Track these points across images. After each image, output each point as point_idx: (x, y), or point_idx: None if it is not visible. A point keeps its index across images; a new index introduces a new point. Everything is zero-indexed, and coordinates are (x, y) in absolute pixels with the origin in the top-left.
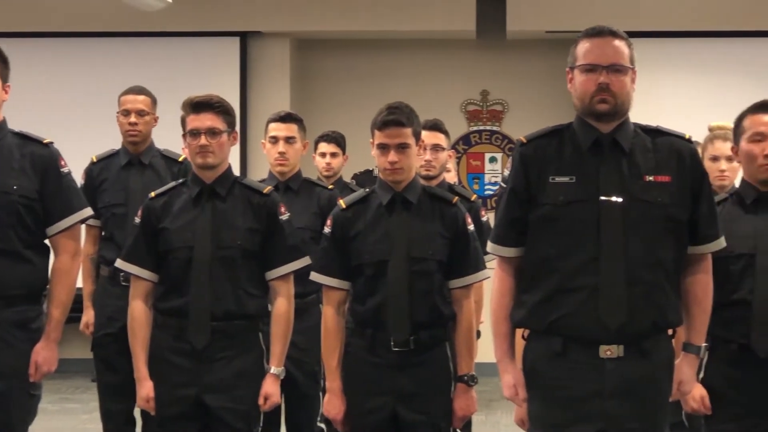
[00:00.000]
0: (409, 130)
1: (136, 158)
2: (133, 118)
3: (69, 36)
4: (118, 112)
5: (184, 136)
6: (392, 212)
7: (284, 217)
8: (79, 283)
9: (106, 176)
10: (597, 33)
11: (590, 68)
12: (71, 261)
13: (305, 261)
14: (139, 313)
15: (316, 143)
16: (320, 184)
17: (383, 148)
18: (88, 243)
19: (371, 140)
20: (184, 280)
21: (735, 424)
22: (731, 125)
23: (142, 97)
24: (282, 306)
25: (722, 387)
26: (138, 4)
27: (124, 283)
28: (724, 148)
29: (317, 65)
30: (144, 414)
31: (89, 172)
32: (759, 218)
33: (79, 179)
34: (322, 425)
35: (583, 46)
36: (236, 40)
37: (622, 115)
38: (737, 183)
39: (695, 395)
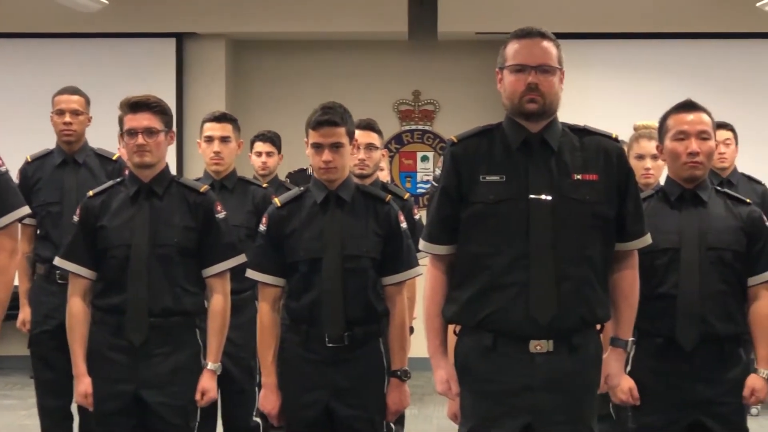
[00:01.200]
0: (343, 130)
1: (70, 157)
2: (67, 118)
3: (3, 37)
4: (52, 112)
5: (121, 135)
6: (326, 210)
7: (220, 215)
8: (16, 281)
9: (41, 175)
10: (526, 34)
11: (519, 68)
12: (9, 259)
13: (241, 258)
14: (77, 310)
15: (252, 143)
16: (255, 182)
17: (317, 147)
18: (23, 241)
19: (306, 139)
20: (121, 278)
21: (660, 415)
22: (656, 124)
23: (76, 97)
24: (218, 303)
25: (648, 379)
26: (73, 5)
27: (60, 281)
28: (649, 146)
29: (252, 66)
30: (81, 410)
31: (24, 172)
32: (683, 214)
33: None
34: (258, 420)
35: (512, 47)
36: (172, 41)
37: (550, 114)
38: (662, 180)
39: (623, 387)
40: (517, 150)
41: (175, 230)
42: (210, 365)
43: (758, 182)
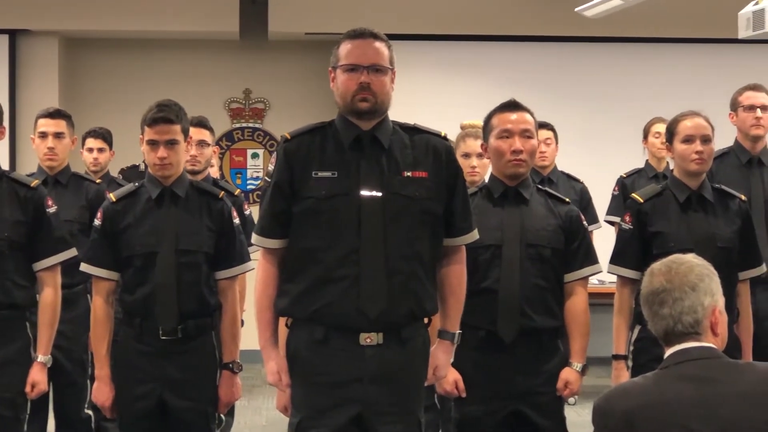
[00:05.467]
0: (178, 127)
1: None
2: None
3: None
4: None
5: None
6: (161, 206)
7: (51, 210)
8: None
9: None
10: (358, 35)
11: (352, 68)
12: None
13: (71, 252)
14: None
15: (84, 139)
16: (88, 178)
17: (153, 144)
18: None
19: (141, 136)
20: None
21: (482, 405)
22: (481, 123)
23: None
24: (49, 296)
25: (470, 371)
26: None
27: None
28: (475, 145)
29: (86, 63)
30: None
31: None
32: (505, 211)
33: None
34: (90, 412)
35: (345, 47)
36: (5, 37)
37: (381, 113)
38: (487, 178)
39: (449, 379)
40: (349, 147)
41: (5, 224)
42: (40, 358)
43: (577, 180)
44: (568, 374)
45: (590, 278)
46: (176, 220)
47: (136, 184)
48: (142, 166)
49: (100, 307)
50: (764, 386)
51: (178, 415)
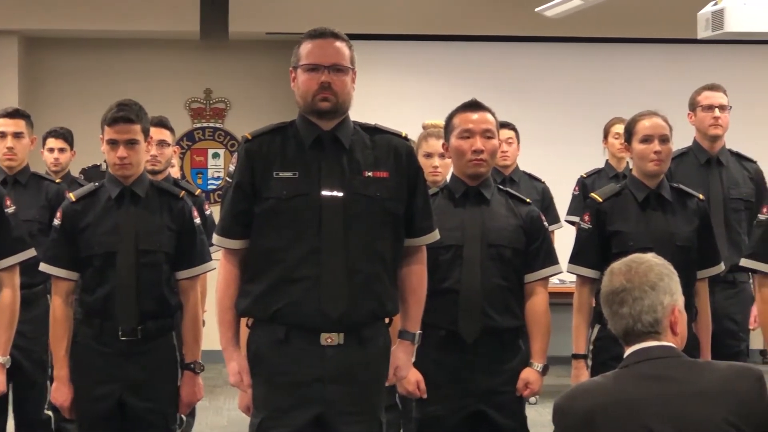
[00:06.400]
0: (138, 127)
1: None
2: None
3: None
4: None
5: None
6: (121, 205)
7: (9, 209)
8: None
9: None
10: (319, 34)
11: (313, 68)
12: None
13: (30, 253)
14: None
15: (45, 139)
16: (48, 178)
17: (113, 143)
18: None
19: (101, 136)
20: None
21: (443, 405)
22: (443, 123)
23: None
24: (7, 297)
25: (432, 370)
26: None
27: None
28: (437, 145)
29: (46, 63)
30: None
31: None
32: (467, 211)
33: None
34: (50, 413)
35: (305, 47)
36: None
37: (342, 113)
38: (449, 178)
39: (410, 379)
40: (310, 147)
41: None
42: None
43: (539, 180)
44: (528, 374)
45: (549, 281)
46: (136, 220)
47: (96, 183)
48: (104, 166)
49: (59, 308)
50: (723, 385)
51: (138, 416)
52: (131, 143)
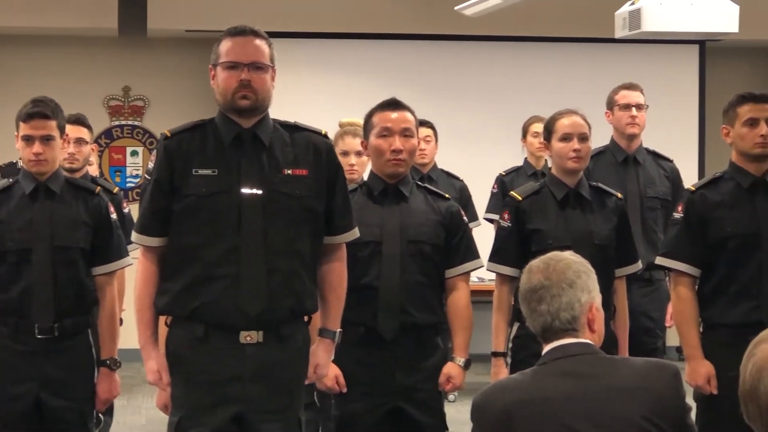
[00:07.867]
0: (54, 123)
1: None
2: None
3: None
4: None
5: None
6: (35, 201)
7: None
8: None
9: None
10: (239, 32)
11: (232, 65)
12: None
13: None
14: None
15: None
16: None
17: (28, 139)
18: None
19: (16, 133)
20: None
21: (362, 402)
22: (361, 122)
23: None
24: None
25: (351, 368)
26: None
27: None
28: (354, 143)
29: None
30: None
31: None
32: (385, 208)
33: None
34: None
35: (225, 45)
36: None
37: (262, 110)
38: (366, 176)
39: (329, 374)
40: (230, 145)
41: None
42: None
43: (457, 178)
44: (450, 369)
45: (470, 276)
46: (51, 216)
47: (11, 180)
48: (20, 163)
49: None
50: (640, 381)
51: (55, 414)
52: (46, 139)
